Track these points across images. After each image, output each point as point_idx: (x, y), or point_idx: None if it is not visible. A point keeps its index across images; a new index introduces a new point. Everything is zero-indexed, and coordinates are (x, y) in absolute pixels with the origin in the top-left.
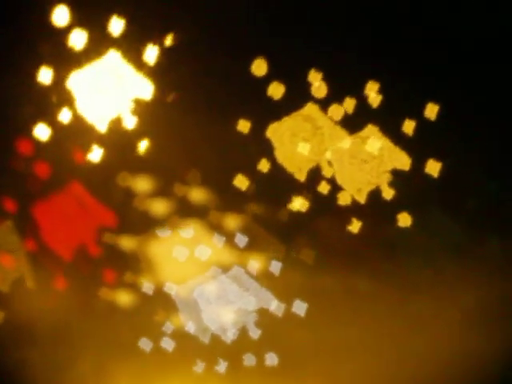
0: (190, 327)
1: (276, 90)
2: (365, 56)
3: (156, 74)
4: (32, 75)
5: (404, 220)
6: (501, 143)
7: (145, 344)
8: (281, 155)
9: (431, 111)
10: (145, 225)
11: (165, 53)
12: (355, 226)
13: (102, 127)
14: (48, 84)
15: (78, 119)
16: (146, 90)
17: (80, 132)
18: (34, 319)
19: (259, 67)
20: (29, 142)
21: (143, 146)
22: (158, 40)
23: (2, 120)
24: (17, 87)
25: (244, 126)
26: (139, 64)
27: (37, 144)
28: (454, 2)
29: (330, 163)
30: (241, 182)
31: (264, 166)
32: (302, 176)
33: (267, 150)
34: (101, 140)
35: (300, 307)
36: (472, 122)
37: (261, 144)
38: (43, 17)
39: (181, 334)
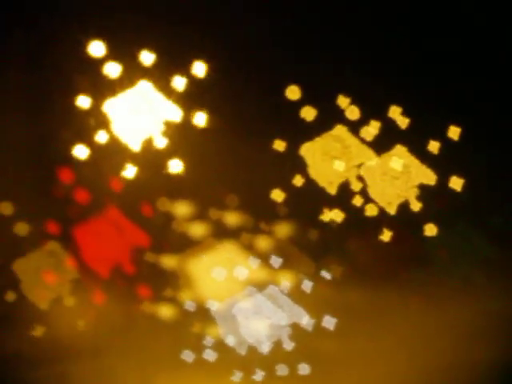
0: (229, 340)
1: (308, 113)
2: (391, 81)
3: (184, 99)
4: (72, 102)
5: (430, 230)
6: None
7: (187, 356)
8: (313, 171)
9: (454, 133)
10: (183, 245)
11: (195, 80)
12: (386, 235)
13: (135, 147)
14: (86, 109)
15: (113, 140)
16: (175, 113)
17: (115, 151)
18: (74, 334)
19: (293, 92)
20: (69, 170)
21: (173, 164)
22: (187, 68)
23: (45, 149)
24: (58, 114)
25: (279, 145)
26: (168, 91)
27: (77, 171)
28: (476, 31)
29: (359, 178)
30: (277, 195)
31: (298, 180)
32: (332, 189)
33: (301, 166)
34: (134, 158)
35: (329, 322)
36: (493, 142)
37: (295, 161)
38: (80, 49)
39: (220, 346)
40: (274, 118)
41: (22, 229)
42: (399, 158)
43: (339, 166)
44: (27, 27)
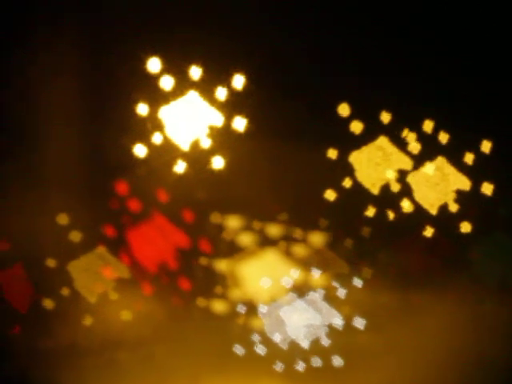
0: (276, 337)
1: (356, 127)
2: (427, 100)
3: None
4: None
5: (465, 227)
6: None
7: (238, 350)
8: (360, 175)
9: (486, 147)
10: (232, 250)
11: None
12: (429, 231)
13: (185, 146)
14: (145, 115)
15: (167, 141)
16: (218, 119)
17: (168, 150)
18: (121, 325)
19: (344, 109)
20: (124, 183)
21: (215, 161)
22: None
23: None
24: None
25: (332, 153)
26: (212, 100)
27: (132, 184)
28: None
29: (398, 181)
30: (330, 195)
31: (347, 182)
32: (375, 190)
33: (350, 171)
34: (184, 156)
35: (360, 322)
36: None
37: (345, 167)
38: (141, 65)
39: (268, 342)
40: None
41: (76, 236)
42: (440, 167)
43: (388, 173)
44: (94, 48)
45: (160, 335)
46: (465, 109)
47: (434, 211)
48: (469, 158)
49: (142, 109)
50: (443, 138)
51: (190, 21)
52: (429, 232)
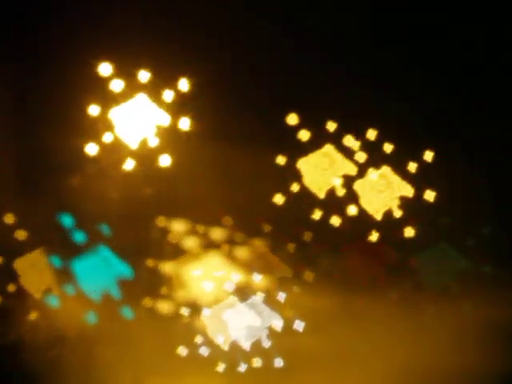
0: (219, 338)
1: (304, 135)
2: (369, 108)
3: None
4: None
5: (409, 232)
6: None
7: (182, 351)
8: (307, 180)
9: (428, 156)
10: (178, 252)
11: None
12: (374, 236)
13: (133, 145)
14: (96, 116)
15: (116, 140)
16: (165, 120)
17: (117, 148)
18: (67, 322)
19: (292, 119)
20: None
21: (162, 159)
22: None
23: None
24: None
25: (281, 160)
26: (160, 102)
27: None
28: None
29: (343, 186)
30: (278, 199)
31: (295, 187)
32: (321, 194)
33: (298, 176)
34: (132, 154)
35: (299, 325)
36: (461, 165)
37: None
38: (91, 69)
39: (211, 343)
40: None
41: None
42: (385, 175)
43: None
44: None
45: (104, 334)
46: (409, 119)
47: (378, 217)
48: (412, 167)
49: (94, 110)
50: (387, 147)
51: (139, 27)
52: (374, 236)
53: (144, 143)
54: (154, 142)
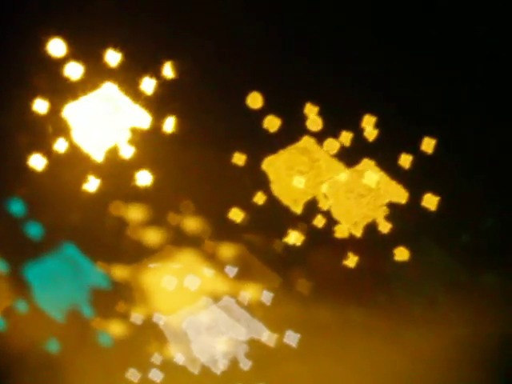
0: (179, 358)
1: (271, 123)
2: (362, 88)
3: (153, 104)
4: (27, 106)
5: (401, 254)
6: (500, 178)
7: (133, 375)
8: (276, 188)
9: (428, 145)
10: (137, 254)
11: (162, 83)
12: (351, 261)
13: (98, 157)
14: (43, 114)
15: (74, 149)
16: (143, 120)
17: (75, 162)
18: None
19: (255, 100)
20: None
21: (140, 177)
22: (155, 70)
23: None
24: (12, 118)
25: (239, 158)
26: (136, 94)
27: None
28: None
29: (326, 196)
30: (236, 214)
31: (260, 198)
32: (298, 208)
33: (263, 182)
34: (97, 170)
35: (292, 338)
36: (470, 157)
37: (256, 177)
38: (39, 48)
39: (170, 365)
40: (236, 128)
41: None
42: (370, 172)
43: (299, 181)
44: None
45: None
46: (400, 95)
47: (357, 232)
48: (405, 160)
49: (40, 105)
50: (370, 134)
51: None
52: (351, 262)
53: (113, 154)
54: (127, 152)
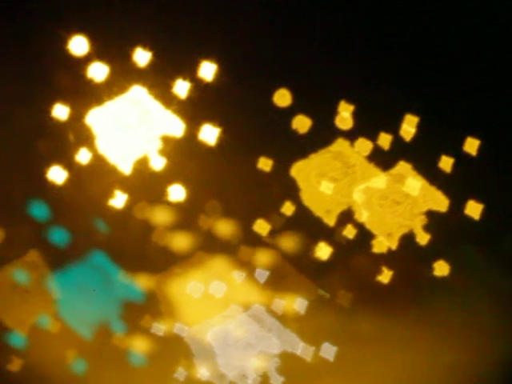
0: (204, 374)
1: (301, 124)
2: (401, 88)
3: (187, 109)
4: (47, 110)
5: (441, 269)
6: None
7: None
8: (307, 197)
9: (471, 146)
10: (166, 262)
11: (197, 86)
12: (386, 276)
13: (125, 168)
14: (64, 120)
15: (98, 160)
16: (176, 127)
17: (101, 175)
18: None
19: (282, 97)
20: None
21: (172, 191)
22: (190, 72)
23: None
24: (30, 124)
25: (265, 163)
26: (168, 98)
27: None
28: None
29: (359, 204)
30: (261, 227)
31: (288, 209)
32: (330, 220)
33: (292, 191)
34: (124, 183)
35: (329, 351)
36: None
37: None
38: (59, 46)
39: (194, 381)
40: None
41: None
42: (411, 178)
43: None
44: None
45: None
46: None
47: (392, 244)
48: (446, 163)
49: (61, 110)
50: (408, 135)
51: None
52: (385, 277)
53: (142, 165)
54: (157, 163)
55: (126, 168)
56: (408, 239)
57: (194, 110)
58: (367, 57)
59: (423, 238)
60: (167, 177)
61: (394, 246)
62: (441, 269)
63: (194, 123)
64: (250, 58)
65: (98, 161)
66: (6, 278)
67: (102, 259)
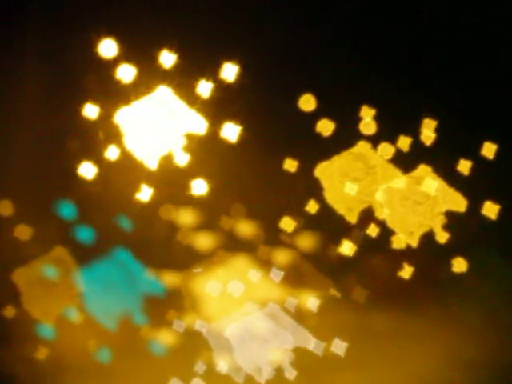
0: (223, 367)
1: (325, 127)
2: (420, 92)
3: (210, 108)
4: (77, 110)
5: (459, 265)
6: None
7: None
8: (330, 196)
9: (489, 150)
10: (189, 260)
11: (219, 87)
12: (407, 272)
13: (151, 165)
14: (94, 119)
15: (126, 156)
16: (199, 125)
17: (128, 170)
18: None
19: (307, 102)
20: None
21: (195, 185)
22: (213, 73)
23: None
24: (62, 123)
25: (291, 165)
26: (192, 98)
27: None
28: None
29: (381, 204)
30: (287, 224)
31: (312, 207)
32: (352, 218)
33: (316, 190)
34: (150, 178)
35: (340, 347)
36: None
37: (309, 184)
38: (89, 49)
39: (213, 373)
40: (288, 132)
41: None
42: (429, 179)
43: (351, 189)
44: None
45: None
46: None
47: (413, 242)
48: (464, 166)
49: (91, 110)
50: (428, 138)
51: None
52: (406, 273)
53: (167, 161)
54: (182, 159)
55: (152, 164)
56: (428, 237)
57: (216, 109)
58: (389, 64)
59: (442, 237)
60: (191, 172)
61: (414, 243)
62: (459, 265)
63: (216, 122)
64: (274, 60)
65: (126, 157)
66: (34, 273)
67: (125, 256)
